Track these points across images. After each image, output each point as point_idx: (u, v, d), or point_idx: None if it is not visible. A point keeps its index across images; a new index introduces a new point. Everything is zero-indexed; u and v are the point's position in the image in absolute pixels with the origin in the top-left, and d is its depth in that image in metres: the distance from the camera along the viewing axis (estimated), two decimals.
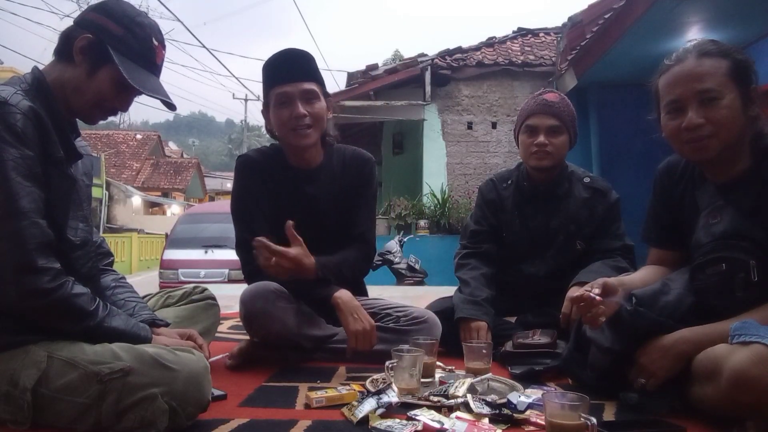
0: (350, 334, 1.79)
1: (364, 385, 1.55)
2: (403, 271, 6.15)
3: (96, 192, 17.39)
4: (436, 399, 1.43)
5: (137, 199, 23.65)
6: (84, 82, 1.35)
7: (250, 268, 1.94)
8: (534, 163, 2.15)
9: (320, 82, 1.96)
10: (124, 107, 1.42)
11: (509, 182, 2.29)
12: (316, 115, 1.91)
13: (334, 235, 2.01)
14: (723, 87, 1.39)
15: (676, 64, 1.46)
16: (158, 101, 1.41)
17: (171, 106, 1.46)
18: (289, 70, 1.90)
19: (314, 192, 2.00)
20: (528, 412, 1.35)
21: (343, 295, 1.83)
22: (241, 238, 1.95)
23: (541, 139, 2.11)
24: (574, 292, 1.64)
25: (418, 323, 1.96)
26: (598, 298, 1.43)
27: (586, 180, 2.21)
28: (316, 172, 2.01)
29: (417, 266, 6.22)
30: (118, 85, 1.35)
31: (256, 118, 61.45)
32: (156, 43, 1.40)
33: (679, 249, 1.62)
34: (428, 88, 7.97)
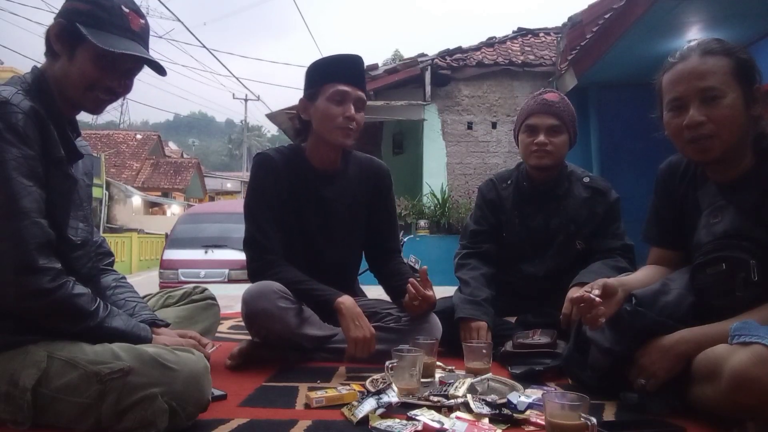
0: (350, 340, 1.80)
1: (364, 385, 1.55)
2: None
3: (96, 192, 17.38)
4: (436, 399, 1.43)
5: (137, 199, 23.64)
6: (68, 68, 1.34)
7: (254, 266, 1.95)
8: (534, 162, 2.16)
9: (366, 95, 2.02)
10: (119, 84, 1.39)
11: (509, 182, 2.29)
12: (360, 123, 1.97)
13: (343, 238, 2.05)
14: (725, 86, 1.39)
15: (679, 61, 1.46)
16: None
17: (159, 69, 1.42)
18: (354, 74, 1.98)
19: (330, 195, 2.02)
20: (528, 412, 1.35)
21: (346, 300, 1.84)
22: (250, 235, 1.96)
23: (542, 138, 2.12)
24: (575, 292, 1.64)
25: (419, 323, 1.96)
26: (598, 299, 1.43)
27: (586, 180, 2.22)
28: (333, 176, 2.04)
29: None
30: (98, 60, 1.33)
31: (257, 118, 61.60)
32: (127, 10, 1.37)
33: (680, 249, 1.62)
34: (428, 88, 7.97)
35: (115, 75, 1.38)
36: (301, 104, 2.01)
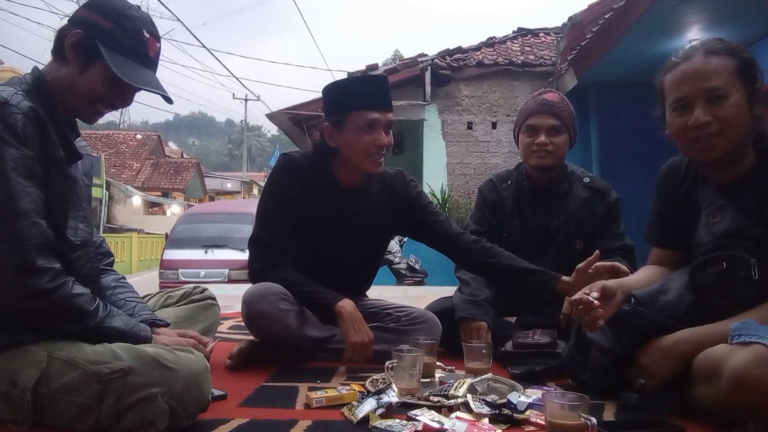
0: (349, 344, 1.81)
1: (364, 385, 1.55)
2: (403, 271, 6.16)
3: (96, 192, 17.39)
4: (436, 399, 1.43)
5: (137, 199, 23.65)
6: (77, 79, 1.34)
7: (256, 266, 1.95)
8: (535, 162, 2.16)
9: None
10: (123, 103, 1.41)
11: (509, 182, 2.29)
12: (390, 145, 1.92)
13: (357, 253, 2.04)
14: (730, 85, 1.39)
15: (683, 61, 1.45)
16: (157, 96, 1.40)
17: (167, 99, 1.44)
18: (382, 98, 1.90)
19: (349, 211, 1.99)
20: (528, 412, 1.35)
21: (347, 305, 1.83)
22: (256, 234, 1.96)
23: (542, 138, 2.12)
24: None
25: (419, 323, 1.96)
26: (596, 302, 1.43)
27: (586, 180, 2.22)
28: (355, 192, 2.00)
29: (417, 266, 6.23)
30: (110, 81, 1.34)
31: (257, 118, 61.67)
32: (148, 35, 1.38)
33: (681, 249, 1.62)
34: (428, 88, 7.97)
35: (122, 95, 1.39)
36: (326, 130, 1.92)
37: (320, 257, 1.99)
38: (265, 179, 2.15)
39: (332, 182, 1.98)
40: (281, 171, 1.96)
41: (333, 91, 1.94)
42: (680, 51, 1.48)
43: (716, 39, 1.47)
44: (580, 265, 1.82)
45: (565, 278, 1.88)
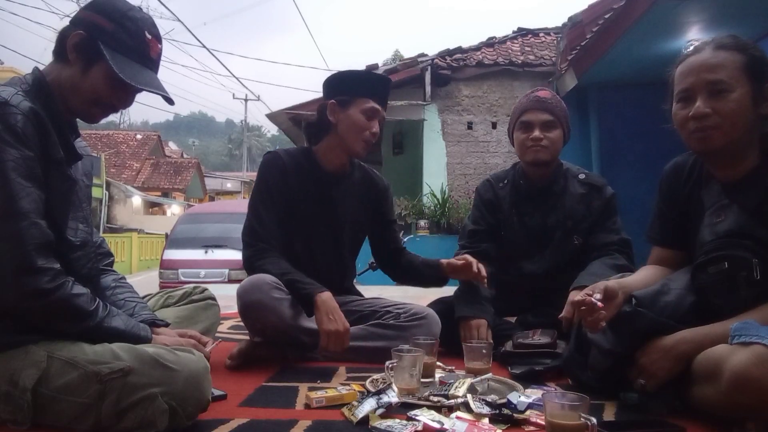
0: (323, 333, 1.79)
1: (364, 385, 1.55)
2: None
3: (96, 192, 17.39)
4: (436, 399, 1.43)
5: (137, 199, 23.64)
6: (79, 80, 1.34)
7: (248, 253, 2.01)
8: (531, 157, 2.17)
9: None
10: (124, 104, 1.41)
11: (506, 181, 2.31)
12: (377, 139, 2.10)
13: (346, 238, 2.14)
14: (734, 80, 1.39)
15: (692, 54, 1.47)
16: (157, 96, 1.40)
17: (168, 100, 1.45)
18: (386, 94, 2.13)
19: (337, 195, 2.12)
20: (528, 412, 1.36)
21: (324, 295, 1.84)
22: (248, 224, 2.04)
23: (537, 133, 2.14)
24: (575, 296, 1.63)
25: (418, 319, 1.98)
26: (599, 304, 1.43)
27: (582, 176, 2.23)
28: (341, 178, 2.15)
29: None
30: (112, 81, 1.34)
31: (257, 118, 61.65)
32: (149, 36, 1.38)
33: (682, 249, 1.62)
34: (428, 88, 7.96)
35: (123, 96, 1.40)
36: (330, 107, 2.07)
37: (306, 244, 2.08)
38: None
39: (317, 168, 2.11)
40: (266, 167, 2.09)
41: (347, 75, 2.13)
42: (693, 44, 1.49)
43: (729, 35, 1.47)
44: (453, 259, 2.12)
45: (443, 261, 2.15)
